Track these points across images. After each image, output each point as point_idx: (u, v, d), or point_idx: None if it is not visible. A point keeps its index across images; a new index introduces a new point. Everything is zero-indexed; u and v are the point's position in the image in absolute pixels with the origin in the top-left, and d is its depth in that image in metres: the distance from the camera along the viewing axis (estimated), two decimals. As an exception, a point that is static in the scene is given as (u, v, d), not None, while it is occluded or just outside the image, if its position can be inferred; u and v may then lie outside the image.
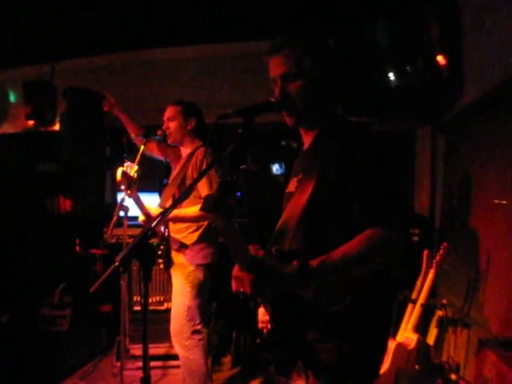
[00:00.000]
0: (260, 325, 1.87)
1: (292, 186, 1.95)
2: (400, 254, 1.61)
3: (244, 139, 1.68)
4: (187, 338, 3.40)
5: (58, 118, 5.66)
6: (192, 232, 3.45)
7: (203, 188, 3.31)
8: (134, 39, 5.28)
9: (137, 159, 3.49)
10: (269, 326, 1.74)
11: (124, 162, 3.17)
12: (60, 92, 5.55)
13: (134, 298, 4.56)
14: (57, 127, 5.72)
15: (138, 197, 3.32)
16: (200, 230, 3.46)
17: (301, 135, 2.03)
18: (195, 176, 3.37)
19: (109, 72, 5.75)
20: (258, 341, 1.74)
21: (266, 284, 1.62)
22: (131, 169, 3.17)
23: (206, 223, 3.44)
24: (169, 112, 3.60)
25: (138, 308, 4.55)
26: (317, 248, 1.67)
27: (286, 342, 1.72)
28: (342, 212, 1.69)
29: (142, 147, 3.55)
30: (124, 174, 3.12)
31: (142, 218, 3.44)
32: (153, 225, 1.49)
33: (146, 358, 1.50)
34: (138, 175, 3.21)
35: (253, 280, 1.61)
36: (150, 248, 1.49)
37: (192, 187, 1.82)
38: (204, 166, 3.32)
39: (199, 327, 3.49)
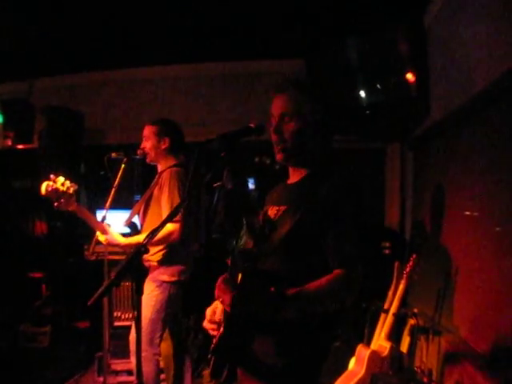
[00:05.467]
0: (206, 324, 1.98)
1: (271, 213, 2.07)
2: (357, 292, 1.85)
3: (226, 162, 1.81)
4: (143, 349, 3.36)
5: (35, 136, 5.70)
6: (159, 251, 3.51)
7: (165, 209, 3.41)
8: (113, 58, 5.36)
9: (118, 177, 3.58)
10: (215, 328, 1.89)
11: (50, 177, 3.21)
12: (38, 110, 5.61)
13: (115, 314, 4.59)
14: (34, 144, 5.76)
15: (81, 210, 3.40)
16: (167, 250, 3.51)
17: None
18: (161, 196, 3.48)
19: (87, 90, 5.82)
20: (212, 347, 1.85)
21: (245, 302, 1.75)
22: (59, 182, 3.22)
23: (172, 243, 3.49)
24: (145, 131, 3.69)
25: (118, 323, 4.58)
26: (290, 274, 1.85)
27: (233, 349, 1.85)
28: (315, 248, 1.88)
29: (123, 166, 3.64)
30: (48, 187, 3.18)
31: (101, 238, 3.51)
32: (144, 242, 1.61)
33: (140, 369, 1.60)
34: (74, 189, 3.27)
35: (234, 296, 1.74)
36: (141, 264, 1.60)
37: (179, 209, 1.94)
38: (167, 189, 3.43)
39: (157, 341, 3.54)
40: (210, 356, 1.87)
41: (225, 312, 1.87)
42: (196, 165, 1.75)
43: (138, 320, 1.61)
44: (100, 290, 1.50)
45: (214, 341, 1.86)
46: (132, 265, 1.56)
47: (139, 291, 1.59)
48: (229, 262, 2.28)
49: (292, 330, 1.83)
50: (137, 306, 1.58)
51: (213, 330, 1.93)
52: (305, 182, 2.05)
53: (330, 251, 1.85)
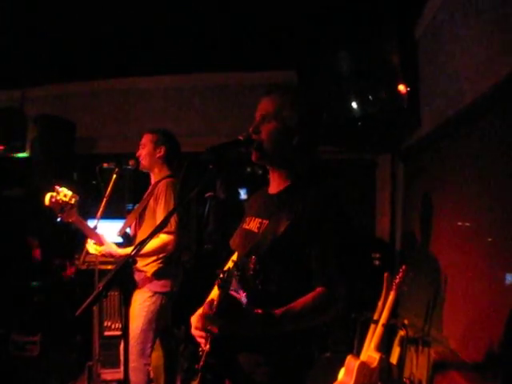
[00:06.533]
0: (194, 331, 1.95)
1: (253, 226, 2.06)
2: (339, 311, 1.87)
3: (214, 174, 1.82)
4: (134, 360, 3.40)
5: (27, 144, 5.71)
6: (153, 261, 3.51)
7: (160, 220, 3.39)
8: (105, 68, 5.38)
9: (109, 187, 3.60)
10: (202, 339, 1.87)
11: (54, 188, 3.25)
12: (30, 118, 5.61)
13: (105, 324, 4.57)
14: (26, 153, 5.77)
15: (80, 221, 3.42)
16: (160, 261, 3.52)
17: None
18: (156, 207, 3.49)
19: (79, 100, 5.84)
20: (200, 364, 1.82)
21: (233, 326, 1.75)
22: (62, 194, 3.26)
23: (166, 254, 3.51)
24: (142, 139, 3.73)
25: (108, 333, 4.58)
26: (270, 289, 1.85)
27: (221, 363, 1.84)
28: (297, 264, 1.87)
29: (115, 176, 3.66)
30: (51, 198, 3.22)
31: (92, 249, 3.53)
32: (132, 254, 1.62)
33: (128, 379, 1.61)
34: (75, 200, 3.31)
35: (221, 322, 1.74)
36: (129, 275, 1.61)
37: (167, 220, 1.95)
38: (163, 199, 3.44)
39: (148, 351, 3.53)
40: (197, 368, 1.86)
41: (210, 332, 1.85)
42: (185, 177, 1.76)
43: (125, 331, 1.61)
44: (88, 300, 1.50)
45: (202, 358, 1.85)
46: (120, 276, 1.57)
47: (127, 302, 1.59)
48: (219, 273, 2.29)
49: (278, 339, 1.83)
50: (124, 317, 1.58)
51: (200, 336, 1.92)
52: (286, 194, 2.02)
53: (314, 270, 1.85)
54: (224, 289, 1.72)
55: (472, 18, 3.19)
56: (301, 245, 1.86)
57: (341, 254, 1.89)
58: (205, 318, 1.79)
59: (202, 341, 1.90)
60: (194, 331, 1.96)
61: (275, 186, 2.10)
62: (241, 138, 1.95)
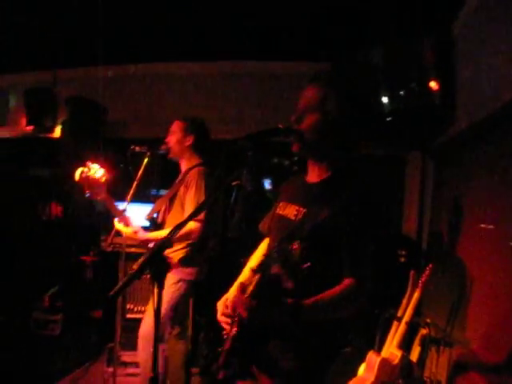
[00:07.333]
0: (220, 318, 1.98)
1: (290, 213, 2.07)
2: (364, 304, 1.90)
3: (252, 162, 1.82)
4: (152, 345, 3.43)
5: (57, 125, 5.76)
6: (181, 249, 3.53)
7: (190, 207, 3.43)
8: (137, 52, 5.39)
9: (140, 171, 3.62)
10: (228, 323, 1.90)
11: (86, 164, 3.29)
12: (61, 99, 5.65)
13: (127, 306, 4.61)
14: (56, 134, 5.81)
15: (110, 200, 3.45)
16: (188, 248, 3.54)
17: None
18: (186, 194, 3.51)
19: (110, 83, 5.83)
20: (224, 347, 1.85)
21: (263, 313, 1.77)
22: (93, 170, 3.29)
23: (191, 241, 3.53)
24: (172, 126, 3.75)
25: (130, 316, 4.60)
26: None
27: (247, 348, 1.86)
28: (330, 255, 1.89)
29: (146, 160, 3.67)
30: (82, 174, 3.25)
31: (117, 225, 3.56)
32: (169, 236, 1.63)
33: (156, 358, 1.61)
34: (106, 178, 3.34)
35: (253, 306, 1.76)
36: (163, 258, 1.61)
37: (205, 206, 1.95)
38: (194, 187, 3.46)
39: (166, 337, 3.58)
40: (221, 351, 1.87)
41: (239, 315, 1.86)
42: (224, 166, 1.76)
43: (157, 313, 1.62)
44: (122, 281, 1.51)
45: (228, 342, 1.86)
46: (156, 258, 1.57)
47: (160, 286, 1.60)
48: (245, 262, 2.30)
49: (307, 327, 1.84)
50: (157, 301, 1.59)
51: (226, 323, 1.94)
52: (327, 185, 2.03)
53: (345, 260, 1.87)
54: (264, 272, 1.72)
55: (513, 15, 3.14)
56: (337, 236, 1.87)
57: (370, 250, 1.90)
58: (236, 300, 1.79)
59: (227, 327, 1.91)
60: (220, 317, 1.97)
61: (314, 175, 2.10)
62: (281, 126, 1.94)
